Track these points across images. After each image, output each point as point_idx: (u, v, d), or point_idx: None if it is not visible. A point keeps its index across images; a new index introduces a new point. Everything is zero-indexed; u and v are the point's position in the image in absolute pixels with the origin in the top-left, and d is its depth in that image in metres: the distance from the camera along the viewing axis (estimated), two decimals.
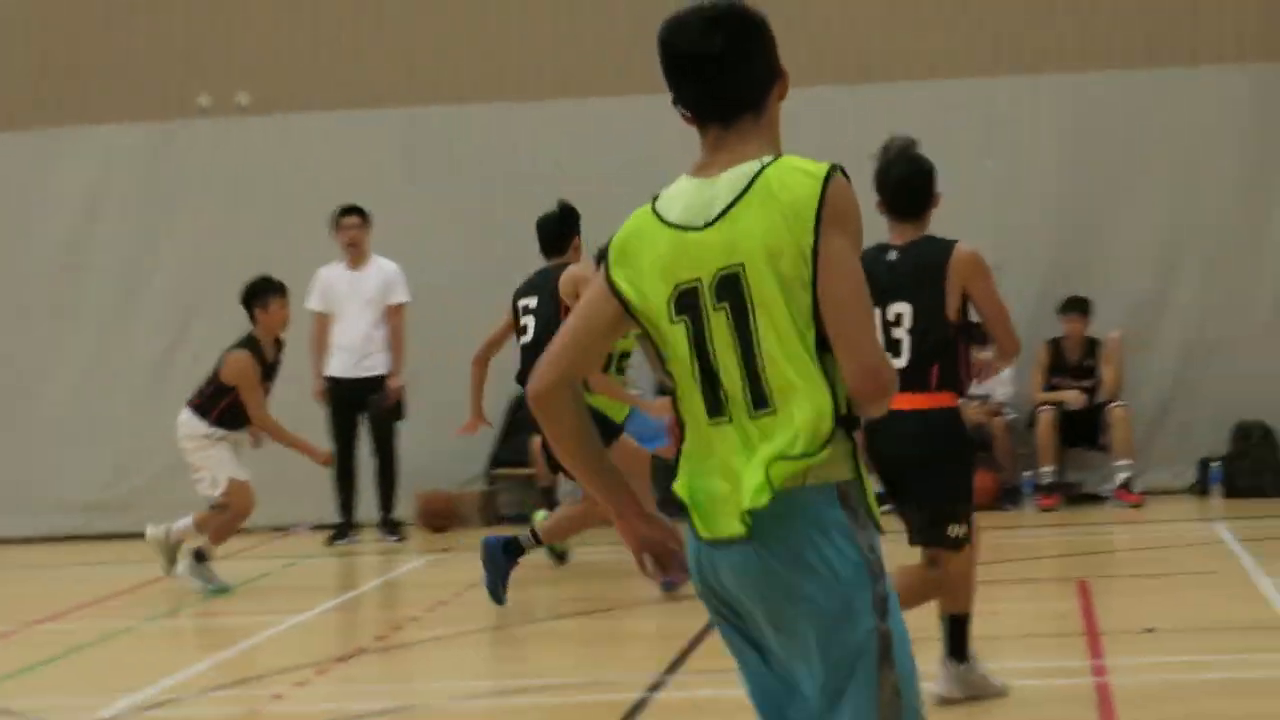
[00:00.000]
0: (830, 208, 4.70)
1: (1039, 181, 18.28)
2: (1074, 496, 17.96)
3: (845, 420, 4.77)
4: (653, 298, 4.87)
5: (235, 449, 14.51)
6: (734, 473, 4.77)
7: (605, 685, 10.59)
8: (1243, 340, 17.83)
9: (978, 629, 9.37)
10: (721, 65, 4.87)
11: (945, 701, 9.14)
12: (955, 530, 9.08)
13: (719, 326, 4.78)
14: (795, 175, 4.75)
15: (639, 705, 9.70)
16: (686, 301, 4.82)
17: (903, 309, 9.29)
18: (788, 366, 4.73)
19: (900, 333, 9.36)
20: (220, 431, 14.34)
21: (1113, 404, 17.48)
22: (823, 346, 4.74)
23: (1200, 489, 17.73)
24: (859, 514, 4.77)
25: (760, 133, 4.90)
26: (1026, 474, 18.08)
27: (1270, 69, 18.29)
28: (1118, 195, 18.22)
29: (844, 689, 4.79)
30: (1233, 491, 17.46)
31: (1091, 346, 17.81)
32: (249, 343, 14.43)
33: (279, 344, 14.68)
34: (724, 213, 4.78)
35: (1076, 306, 17.58)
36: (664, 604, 12.89)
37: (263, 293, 14.59)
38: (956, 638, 9.34)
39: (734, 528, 4.73)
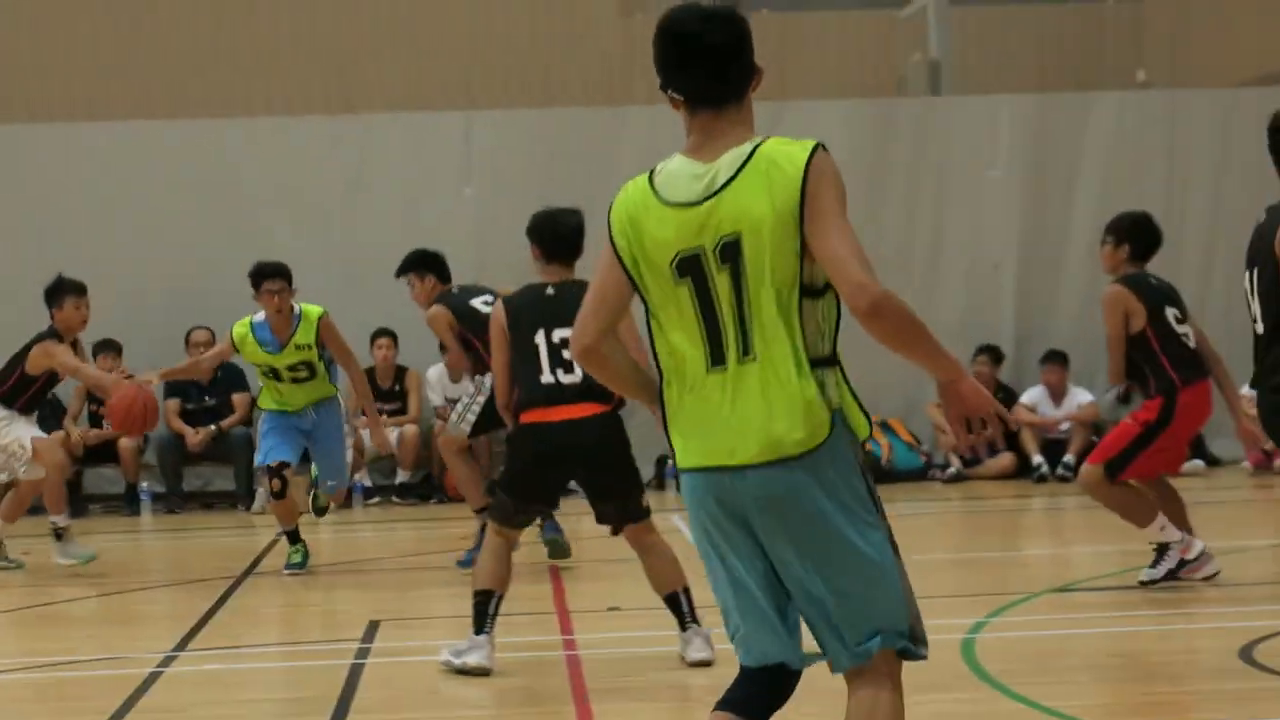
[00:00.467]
0: (813, 173, 5.03)
1: (514, 208, 18.48)
2: None
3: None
4: (652, 265, 5.21)
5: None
6: (741, 410, 5.11)
7: (119, 661, 10.45)
8: None
9: (466, 610, 9.62)
10: (720, 56, 5.22)
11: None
12: (645, 501, 9.87)
13: (723, 286, 5.11)
14: (784, 151, 5.10)
15: (150, 679, 9.64)
16: (689, 266, 5.14)
17: (568, 333, 9.50)
18: (772, 321, 5.07)
19: (569, 354, 9.57)
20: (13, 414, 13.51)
21: None
22: (804, 303, 5.11)
23: (659, 483, 18.23)
24: (858, 453, 5.19)
25: (743, 118, 5.25)
26: None
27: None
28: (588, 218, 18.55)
29: (876, 585, 5.18)
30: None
31: None
32: (51, 333, 13.49)
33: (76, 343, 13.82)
34: (724, 187, 5.11)
35: None
36: (177, 586, 12.79)
37: (56, 293, 13.55)
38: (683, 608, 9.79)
39: (755, 454, 5.09)
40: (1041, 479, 18.33)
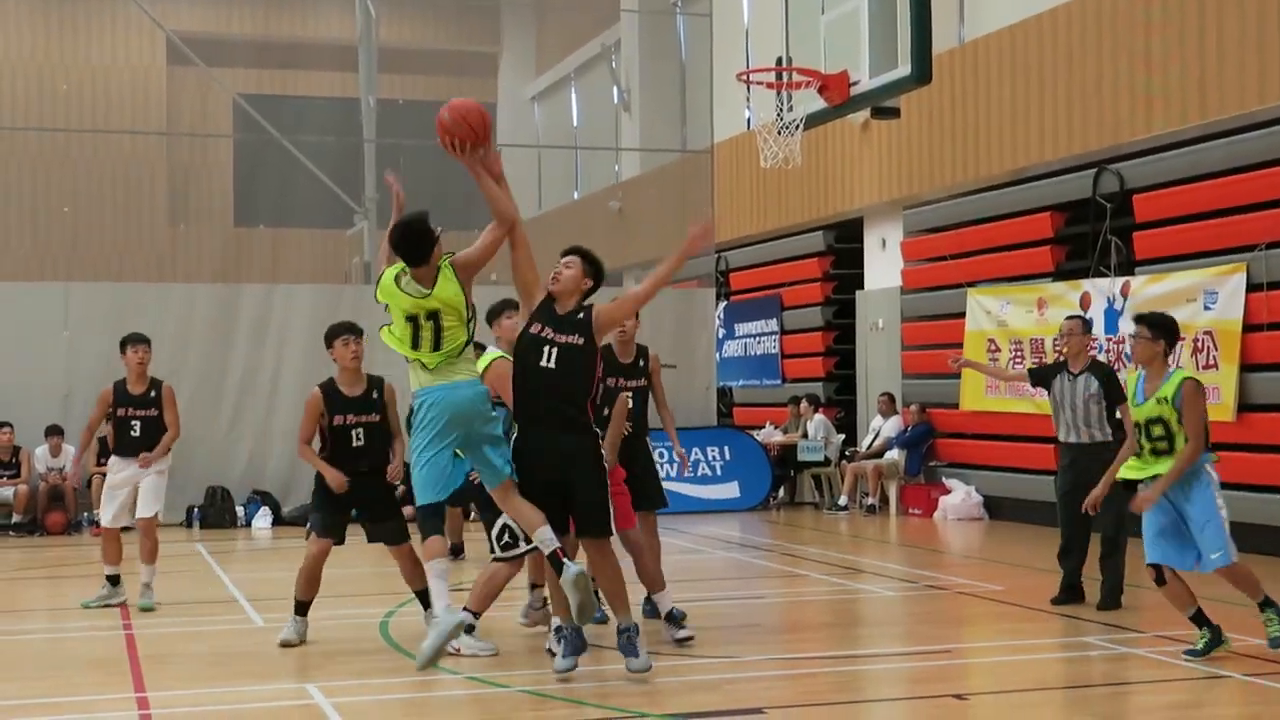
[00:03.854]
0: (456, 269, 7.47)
1: (97, 349, 17.56)
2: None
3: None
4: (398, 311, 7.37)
5: None
6: (439, 365, 7.28)
7: None
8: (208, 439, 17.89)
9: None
10: (418, 243, 7.28)
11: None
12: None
13: (428, 325, 7.28)
14: (448, 279, 7.36)
15: None
16: (412, 318, 7.28)
17: None
18: (449, 339, 7.30)
19: None
20: None
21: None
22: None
23: (187, 524, 17.56)
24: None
25: (431, 269, 7.32)
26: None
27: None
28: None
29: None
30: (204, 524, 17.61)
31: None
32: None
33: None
34: (433, 289, 7.32)
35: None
36: None
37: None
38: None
39: (464, 376, 7.32)
40: None
